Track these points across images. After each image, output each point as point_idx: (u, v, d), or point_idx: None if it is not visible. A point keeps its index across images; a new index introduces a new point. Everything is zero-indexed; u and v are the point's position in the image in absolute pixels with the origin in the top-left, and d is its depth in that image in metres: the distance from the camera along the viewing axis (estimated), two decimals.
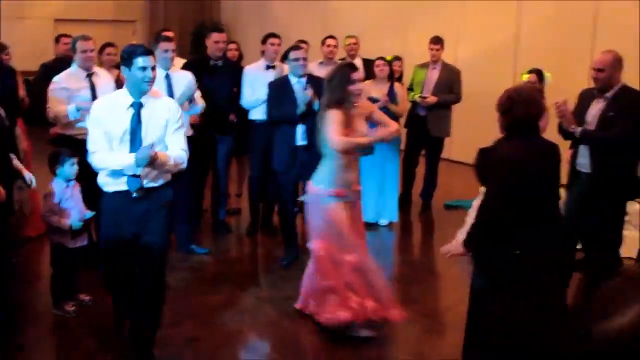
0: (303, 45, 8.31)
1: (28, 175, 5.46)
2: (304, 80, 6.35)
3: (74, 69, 6.21)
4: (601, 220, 5.34)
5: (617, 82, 5.24)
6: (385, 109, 7.34)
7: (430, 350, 5.01)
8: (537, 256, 3.77)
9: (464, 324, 4.14)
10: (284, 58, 6.73)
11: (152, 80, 4.33)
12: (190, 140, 6.34)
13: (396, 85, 7.67)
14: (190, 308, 5.54)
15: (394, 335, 5.23)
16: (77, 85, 6.11)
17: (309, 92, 6.16)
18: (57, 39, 7.97)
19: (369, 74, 7.80)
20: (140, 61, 4.25)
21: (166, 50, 6.23)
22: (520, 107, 3.74)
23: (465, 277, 4.12)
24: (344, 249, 5.04)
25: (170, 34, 7.87)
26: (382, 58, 7.63)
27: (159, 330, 4.77)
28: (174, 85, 6.23)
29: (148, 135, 4.35)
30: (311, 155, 5.64)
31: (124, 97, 4.39)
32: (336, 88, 5.02)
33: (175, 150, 4.45)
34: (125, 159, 4.30)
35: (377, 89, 7.48)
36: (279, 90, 6.37)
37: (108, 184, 4.47)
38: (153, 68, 4.32)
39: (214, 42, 7.07)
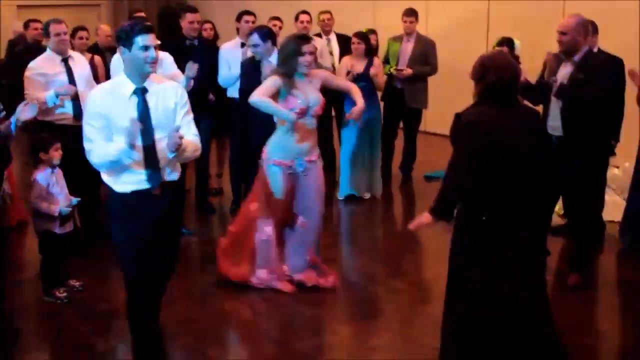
0: (276, 22, 8.33)
1: None
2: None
3: (48, 53, 6.13)
4: (581, 183, 5.37)
5: (582, 46, 5.29)
6: (365, 82, 7.40)
7: (419, 319, 5.06)
8: (506, 223, 3.76)
9: None
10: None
11: (155, 61, 3.92)
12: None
13: (375, 60, 7.68)
14: (180, 290, 5.50)
15: (384, 307, 5.27)
16: (54, 70, 6.04)
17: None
18: (26, 25, 7.86)
19: (345, 50, 7.80)
20: (140, 40, 3.83)
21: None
22: (493, 73, 3.71)
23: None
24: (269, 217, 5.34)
25: (142, 14, 7.82)
26: (357, 35, 7.62)
27: None
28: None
29: (159, 123, 3.97)
30: None
31: (124, 84, 3.96)
32: (286, 59, 5.20)
33: (189, 136, 4.04)
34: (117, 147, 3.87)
35: (356, 63, 7.48)
36: (251, 67, 6.42)
37: (120, 182, 4.03)
38: (156, 47, 3.91)
39: (188, 23, 7.01)
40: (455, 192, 3.81)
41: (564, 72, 5.33)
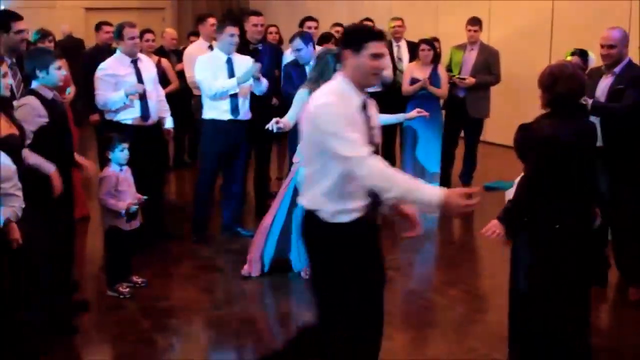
0: (338, 28, 8.41)
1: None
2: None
3: (118, 55, 6.27)
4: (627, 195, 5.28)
5: (624, 58, 5.33)
6: (425, 91, 7.45)
7: (477, 329, 5.02)
8: (577, 230, 3.85)
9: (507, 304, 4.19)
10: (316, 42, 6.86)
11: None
12: (249, 123, 6.55)
13: (439, 68, 7.69)
14: (240, 289, 5.60)
15: (442, 315, 5.26)
16: (124, 71, 6.18)
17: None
18: (98, 27, 8.03)
19: (413, 56, 7.85)
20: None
21: (232, 35, 6.35)
22: (563, 84, 3.78)
23: (508, 258, 4.15)
24: None
25: (213, 19, 7.96)
26: (426, 41, 7.64)
27: (215, 311, 4.95)
28: (235, 69, 6.38)
29: None
30: None
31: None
32: (321, 71, 5.30)
33: None
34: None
35: (420, 71, 7.51)
36: (292, 71, 6.57)
37: None
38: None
39: (252, 26, 7.13)
40: (527, 207, 3.87)
41: (605, 83, 5.35)
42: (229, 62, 6.39)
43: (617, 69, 5.30)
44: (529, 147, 3.85)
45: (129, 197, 5.39)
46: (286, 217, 5.58)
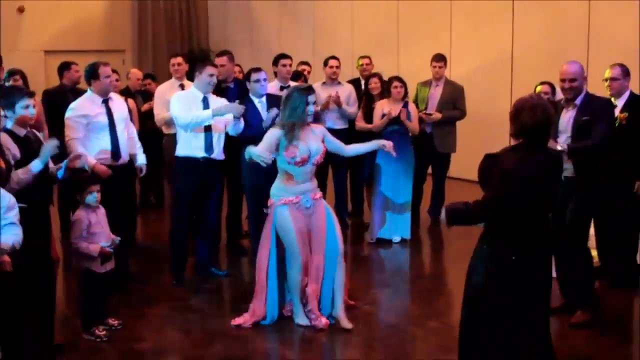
0: (305, 67, 8.50)
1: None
2: (264, 100, 6.73)
3: (89, 95, 6.20)
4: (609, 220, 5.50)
5: (583, 90, 5.47)
6: (398, 125, 7.53)
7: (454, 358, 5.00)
8: (534, 263, 3.92)
9: None
10: (246, 79, 6.88)
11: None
12: (226, 162, 6.56)
13: (410, 104, 7.80)
14: (219, 329, 5.54)
15: (412, 352, 5.24)
16: (95, 111, 6.09)
17: (273, 112, 6.42)
18: (67, 66, 7.97)
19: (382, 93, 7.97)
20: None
21: (212, 75, 6.38)
22: (526, 114, 3.85)
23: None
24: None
25: (178, 59, 7.97)
26: (397, 78, 7.74)
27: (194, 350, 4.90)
28: (211, 107, 6.34)
29: None
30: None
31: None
32: (290, 109, 5.35)
33: None
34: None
35: (391, 107, 7.61)
36: (248, 106, 6.60)
37: None
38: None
39: (221, 66, 7.15)
40: (477, 221, 4.01)
41: (567, 116, 5.46)
42: (205, 100, 6.39)
43: (577, 101, 5.42)
44: (490, 176, 3.91)
45: (102, 238, 5.32)
46: (277, 268, 5.55)
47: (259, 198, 6.45)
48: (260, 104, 6.73)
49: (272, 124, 6.19)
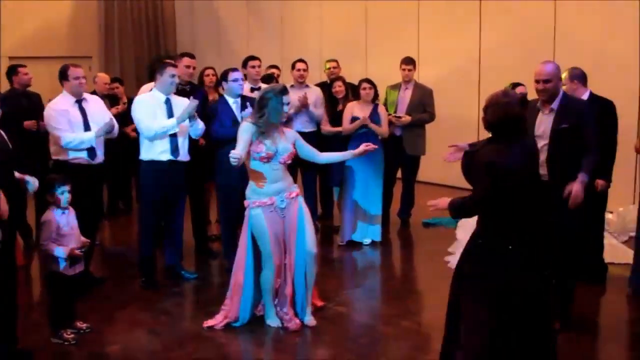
0: (274, 70, 8.48)
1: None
2: (239, 100, 6.73)
3: (64, 94, 6.21)
4: (574, 226, 5.29)
5: (559, 92, 5.29)
6: (368, 128, 7.54)
7: (427, 358, 4.96)
8: (529, 251, 4.01)
9: None
10: (223, 79, 6.86)
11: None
12: (188, 164, 6.50)
13: (380, 107, 7.81)
14: (190, 331, 5.49)
15: (385, 351, 5.21)
16: (71, 109, 6.12)
17: (248, 111, 6.47)
18: (15, 71, 7.88)
19: (350, 96, 7.97)
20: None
21: (173, 75, 6.34)
22: (490, 111, 4.03)
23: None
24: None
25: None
26: (367, 80, 7.75)
27: (164, 353, 4.82)
28: (174, 109, 6.35)
29: None
30: None
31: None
32: (263, 109, 5.33)
33: None
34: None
35: (361, 110, 7.61)
36: (220, 110, 6.69)
37: None
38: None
39: (184, 67, 7.17)
40: (474, 213, 4.11)
41: (546, 121, 5.27)
42: (167, 102, 6.35)
43: (554, 105, 5.22)
44: (474, 172, 4.03)
45: (72, 240, 5.24)
46: (254, 268, 5.51)
47: (230, 198, 6.42)
48: (235, 104, 6.72)
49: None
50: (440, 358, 4.31)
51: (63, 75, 6.17)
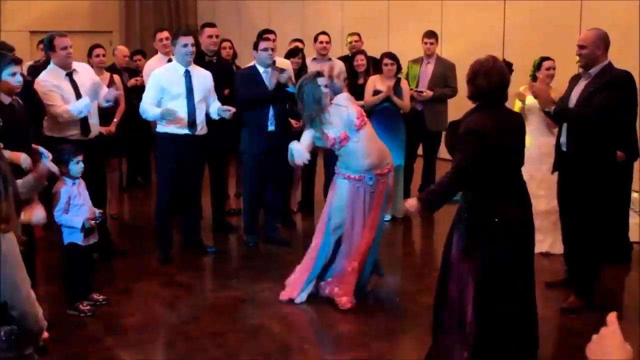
0: (298, 43, 8.35)
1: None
2: (269, 70, 6.63)
3: (52, 67, 5.98)
4: (597, 201, 5.16)
5: (601, 60, 5.16)
6: (389, 102, 7.42)
7: None
8: (515, 222, 4.01)
9: None
10: (254, 48, 6.80)
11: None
12: (209, 135, 6.45)
13: (402, 81, 7.68)
14: (208, 304, 5.45)
15: (404, 327, 5.16)
16: (62, 83, 5.91)
17: (281, 76, 6.44)
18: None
19: (371, 70, 7.84)
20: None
21: (185, 45, 6.19)
22: (482, 78, 3.97)
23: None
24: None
25: (165, 33, 7.84)
26: (389, 56, 7.61)
27: (182, 325, 4.81)
28: (194, 82, 6.24)
29: None
30: (279, 141, 6.22)
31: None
32: (312, 103, 5.26)
33: None
34: None
35: (383, 83, 7.49)
36: (248, 77, 6.65)
37: None
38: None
39: (207, 37, 7.05)
40: (453, 193, 4.07)
41: (580, 87, 5.23)
42: (187, 74, 6.23)
43: (592, 71, 5.15)
44: (457, 140, 4.00)
45: (85, 211, 5.18)
46: (330, 241, 5.40)
47: (257, 169, 6.38)
48: (265, 73, 6.63)
49: (277, 86, 6.41)
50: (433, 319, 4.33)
51: (50, 46, 5.92)
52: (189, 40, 6.25)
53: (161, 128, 6.28)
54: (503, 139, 3.93)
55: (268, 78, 6.62)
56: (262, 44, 6.63)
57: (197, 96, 6.21)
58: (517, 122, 4.17)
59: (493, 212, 3.94)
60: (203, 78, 6.29)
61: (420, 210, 4.08)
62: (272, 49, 6.69)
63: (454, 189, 4.05)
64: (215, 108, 6.35)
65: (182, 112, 6.17)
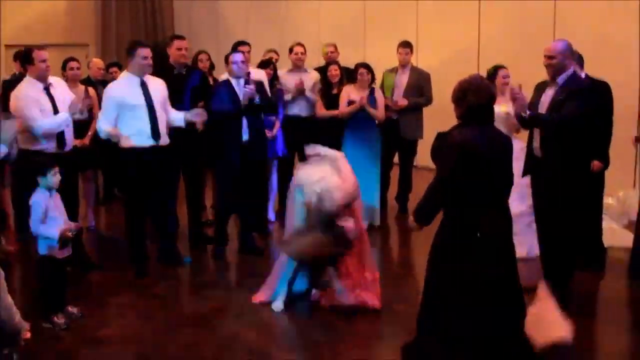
0: (272, 54, 8.37)
1: None
2: (242, 81, 6.67)
3: (29, 80, 5.94)
4: (570, 206, 5.26)
5: (567, 68, 5.30)
6: (363, 112, 7.46)
7: None
8: (498, 237, 4.04)
9: None
10: (225, 62, 6.93)
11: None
12: (185, 148, 6.50)
13: (376, 91, 7.72)
14: (183, 315, 5.42)
15: (380, 334, 5.18)
16: (40, 97, 5.89)
17: (250, 88, 6.53)
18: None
19: (345, 80, 7.88)
20: None
21: (145, 57, 6.15)
22: (472, 95, 3.99)
23: None
24: None
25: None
26: (364, 65, 7.66)
27: (157, 337, 4.77)
28: (151, 91, 6.21)
29: None
30: (253, 150, 6.47)
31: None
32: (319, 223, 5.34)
33: None
34: None
35: (357, 93, 7.52)
36: (221, 91, 6.68)
37: None
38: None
39: (176, 50, 6.97)
40: (438, 204, 4.08)
41: (548, 95, 5.34)
42: (143, 85, 6.18)
43: (559, 80, 5.27)
44: (442, 151, 4.03)
45: (60, 223, 5.15)
46: None
47: (231, 178, 6.40)
48: (237, 86, 6.67)
49: (247, 103, 6.51)
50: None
51: (27, 59, 5.89)
52: (149, 53, 6.22)
53: (125, 143, 6.15)
54: (487, 155, 3.95)
55: (240, 90, 6.64)
56: (232, 57, 6.71)
57: (157, 105, 6.17)
58: (504, 141, 4.17)
59: (475, 227, 3.96)
60: (159, 86, 6.27)
61: (417, 226, 4.17)
62: (243, 62, 6.72)
63: (439, 198, 4.05)
64: (180, 115, 6.33)
65: (144, 123, 6.11)
